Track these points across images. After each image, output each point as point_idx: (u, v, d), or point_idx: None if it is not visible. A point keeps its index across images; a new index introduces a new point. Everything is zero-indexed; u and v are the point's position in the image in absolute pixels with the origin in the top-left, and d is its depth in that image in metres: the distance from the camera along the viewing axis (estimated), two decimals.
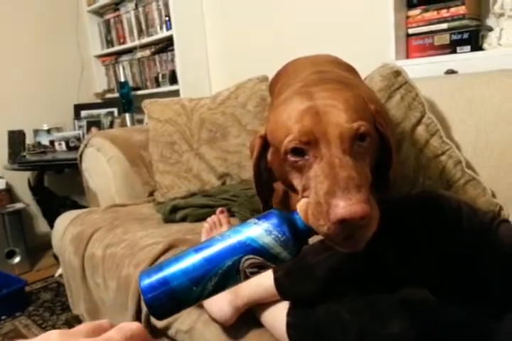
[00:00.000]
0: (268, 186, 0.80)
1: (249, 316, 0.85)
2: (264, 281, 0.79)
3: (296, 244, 0.54)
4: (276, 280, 0.78)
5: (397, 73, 1.13)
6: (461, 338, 0.66)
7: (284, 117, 0.65)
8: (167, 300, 0.51)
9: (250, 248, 0.52)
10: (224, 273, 0.51)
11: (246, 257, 0.52)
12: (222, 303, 0.84)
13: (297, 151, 0.61)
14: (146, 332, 0.32)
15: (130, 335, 0.30)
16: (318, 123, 0.60)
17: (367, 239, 0.55)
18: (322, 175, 0.57)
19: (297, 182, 0.63)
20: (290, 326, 0.76)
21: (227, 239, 0.53)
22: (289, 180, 0.65)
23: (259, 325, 0.85)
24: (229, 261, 0.52)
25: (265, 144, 0.72)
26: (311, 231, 0.56)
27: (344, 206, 0.51)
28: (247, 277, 0.53)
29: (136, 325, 0.32)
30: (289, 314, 0.77)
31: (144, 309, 1.11)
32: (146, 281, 0.51)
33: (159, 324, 1.05)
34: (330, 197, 0.53)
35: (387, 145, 0.70)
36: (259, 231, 0.53)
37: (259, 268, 0.53)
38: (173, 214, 1.50)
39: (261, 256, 0.53)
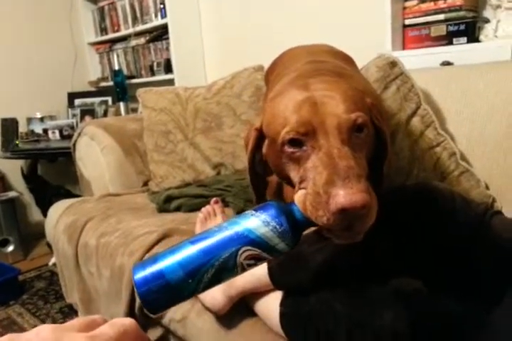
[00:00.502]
0: (262, 179, 0.80)
1: (243, 305, 0.86)
2: (257, 271, 0.80)
3: (294, 235, 0.53)
4: (269, 269, 0.79)
5: (393, 64, 1.13)
6: (455, 330, 0.67)
7: (280, 108, 0.65)
8: (162, 294, 0.50)
9: (248, 239, 0.52)
10: (220, 265, 0.51)
11: (243, 249, 0.51)
12: (215, 293, 0.84)
13: (294, 142, 0.60)
14: (138, 327, 0.32)
15: (123, 330, 0.30)
16: (315, 114, 0.60)
17: (365, 229, 0.55)
18: (321, 165, 0.56)
19: (294, 173, 0.62)
20: (283, 315, 0.76)
21: (224, 230, 0.52)
22: (285, 172, 0.65)
23: (252, 314, 0.85)
24: (226, 252, 0.51)
25: (260, 136, 0.71)
26: (309, 222, 0.56)
27: (345, 195, 0.51)
28: (243, 269, 0.52)
29: (129, 321, 0.32)
30: (282, 304, 0.78)
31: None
32: (140, 274, 0.50)
33: None
34: (329, 187, 0.53)
35: (382, 138, 0.69)
36: (257, 222, 0.52)
37: (256, 261, 0.53)
38: (167, 203, 1.50)
39: (258, 248, 0.52)
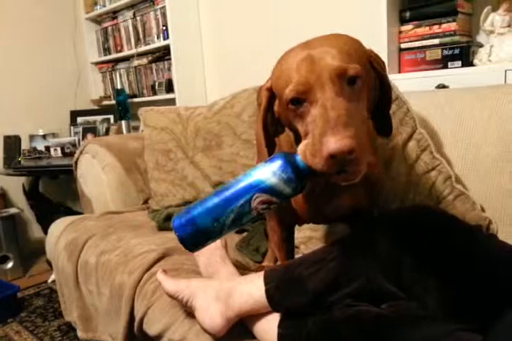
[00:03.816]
0: (272, 139, 0.82)
1: (241, 327, 0.86)
2: (255, 292, 0.80)
3: (298, 182, 0.64)
4: (267, 292, 0.79)
5: None
6: None
7: (283, 68, 0.70)
8: (195, 236, 0.66)
9: (258, 188, 0.64)
10: (239, 209, 0.64)
11: (256, 195, 0.64)
12: (213, 314, 0.85)
13: (297, 100, 0.65)
14: None
15: None
16: (313, 71, 0.64)
17: (360, 172, 0.61)
18: (317, 117, 0.62)
19: (300, 128, 0.68)
20: (281, 337, 0.77)
21: (240, 182, 0.66)
22: (294, 127, 0.70)
23: (250, 336, 0.85)
24: (242, 199, 0.64)
25: (272, 95, 0.75)
26: (310, 170, 0.63)
27: (334, 142, 0.57)
28: (259, 213, 0.66)
29: None
30: (280, 325, 0.78)
31: (137, 317, 1.11)
32: (178, 222, 0.67)
33: (151, 332, 1.06)
34: (322, 137, 0.59)
35: (385, 83, 0.74)
36: (266, 172, 0.64)
37: (268, 204, 0.65)
38: (167, 222, 1.51)
39: (268, 194, 0.64)
